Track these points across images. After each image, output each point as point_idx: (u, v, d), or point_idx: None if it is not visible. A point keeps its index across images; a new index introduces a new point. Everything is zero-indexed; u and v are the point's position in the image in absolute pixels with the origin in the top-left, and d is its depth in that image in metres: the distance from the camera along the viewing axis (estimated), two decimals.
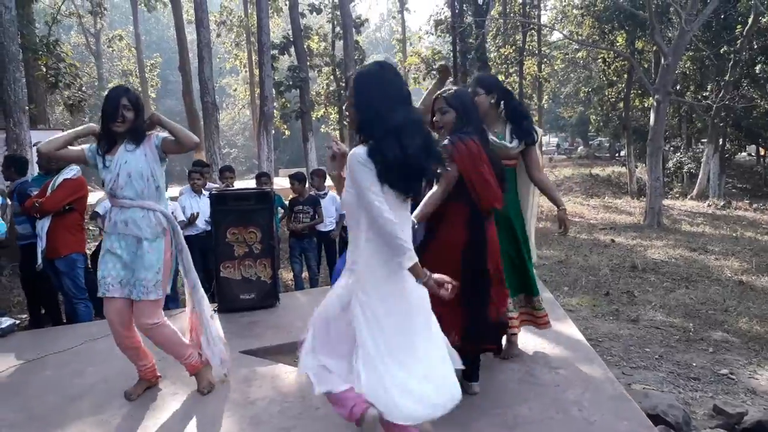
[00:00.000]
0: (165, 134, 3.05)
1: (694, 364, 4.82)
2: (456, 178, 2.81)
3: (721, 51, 19.26)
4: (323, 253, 6.90)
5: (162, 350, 3.20)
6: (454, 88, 3.11)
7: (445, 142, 2.86)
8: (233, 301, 4.86)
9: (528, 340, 3.77)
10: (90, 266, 5.36)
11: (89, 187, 5.24)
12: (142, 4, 30.47)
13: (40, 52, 11.93)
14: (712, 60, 19.51)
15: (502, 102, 3.37)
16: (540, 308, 3.51)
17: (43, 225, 4.74)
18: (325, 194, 6.71)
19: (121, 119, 2.94)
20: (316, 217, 6.48)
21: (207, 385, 3.23)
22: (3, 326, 4.33)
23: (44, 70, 12.50)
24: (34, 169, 7.12)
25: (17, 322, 4.66)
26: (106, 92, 3.03)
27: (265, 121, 13.47)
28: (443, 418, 2.21)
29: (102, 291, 3.03)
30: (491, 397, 3.02)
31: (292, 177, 6.66)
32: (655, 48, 18.52)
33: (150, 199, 3.03)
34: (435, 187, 2.82)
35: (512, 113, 3.37)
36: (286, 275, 7.63)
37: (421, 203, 2.78)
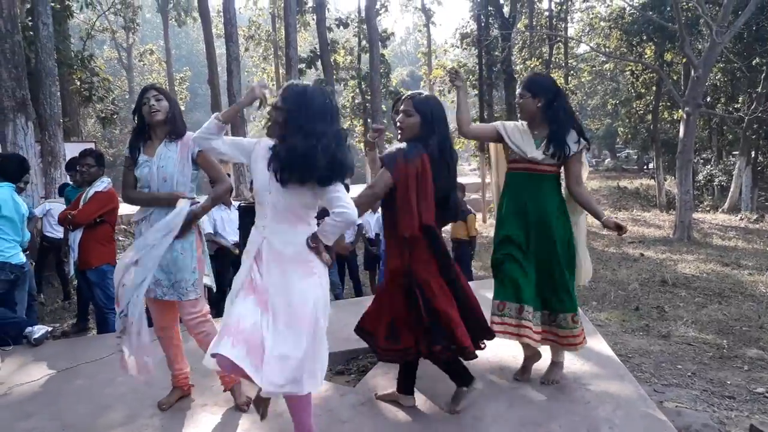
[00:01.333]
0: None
1: (729, 382, 4.69)
2: (388, 186, 2.76)
3: (754, 63, 18.91)
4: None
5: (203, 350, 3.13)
6: (426, 93, 3.02)
7: (391, 150, 2.81)
8: None
9: None
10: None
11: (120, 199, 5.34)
12: (173, 19, 31.27)
13: (75, 67, 12.28)
14: (743, 72, 19.13)
15: (554, 104, 3.12)
16: (565, 327, 3.19)
17: (75, 237, 4.86)
18: None
19: (156, 109, 2.99)
20: None
21: (246, 400, 3.15)
22: (36, 335, 4.40)
23: (79, 83, 12.86)
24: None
25: (50, 329, 4.75)
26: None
27: None
28: None
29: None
30: (520, 414, 2.98)
31: None
32: (684, 60, 18.26)
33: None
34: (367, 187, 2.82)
35: (551, 118, 3.12)
36: None
37: (357, 198, 2.73)
